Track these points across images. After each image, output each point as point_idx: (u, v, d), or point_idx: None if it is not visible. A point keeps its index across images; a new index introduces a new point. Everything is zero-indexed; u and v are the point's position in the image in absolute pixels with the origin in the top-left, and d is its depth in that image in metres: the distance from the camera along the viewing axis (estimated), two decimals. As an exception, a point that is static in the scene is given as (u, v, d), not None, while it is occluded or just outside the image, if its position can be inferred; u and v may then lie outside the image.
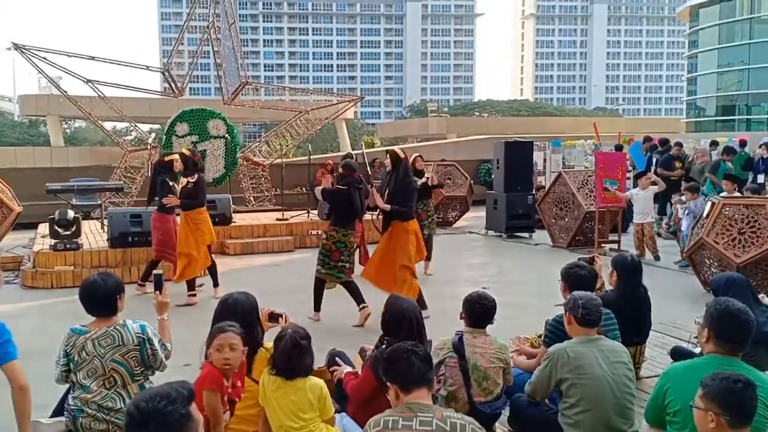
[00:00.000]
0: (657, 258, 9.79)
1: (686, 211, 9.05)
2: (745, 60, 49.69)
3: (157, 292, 3.71)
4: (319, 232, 11.47)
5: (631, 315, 4.35)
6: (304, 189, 15.67)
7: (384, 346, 3.62)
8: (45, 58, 13.59)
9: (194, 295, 7.63)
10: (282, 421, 3.21)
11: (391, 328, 3.72)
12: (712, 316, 2.97)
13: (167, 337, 3.63)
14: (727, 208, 7.58)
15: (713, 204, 7.74)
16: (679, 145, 13.24)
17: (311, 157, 13.89)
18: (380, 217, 6.95)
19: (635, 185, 10.69)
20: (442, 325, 4.91)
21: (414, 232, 6.75)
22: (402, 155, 6.78)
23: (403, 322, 3.69)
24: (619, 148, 14.19)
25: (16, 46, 13.44)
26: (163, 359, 3.52)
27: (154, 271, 3.89)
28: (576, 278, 4.07)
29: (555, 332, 3.89)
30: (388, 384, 2.74)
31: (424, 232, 8.84)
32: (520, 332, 4.84)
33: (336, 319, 6.67)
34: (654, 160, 13.11)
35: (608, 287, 4.68)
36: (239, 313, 3.49)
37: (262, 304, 3.78)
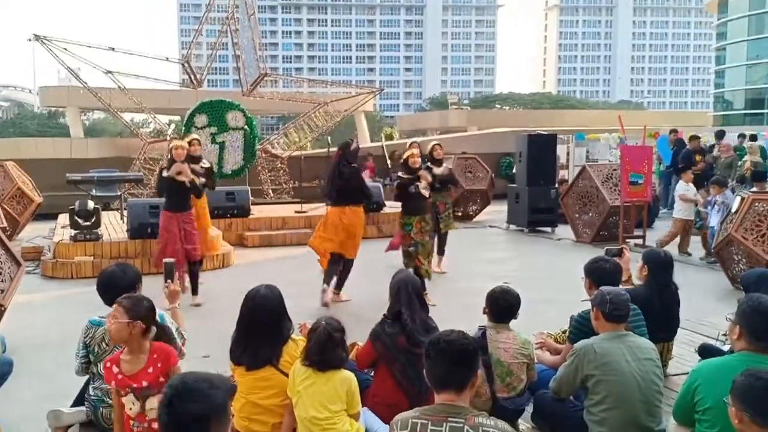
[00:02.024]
0: (689, 254, 9.60)
1: (715, 206, 8.84)
2: (775, 53, 48.80)
3: (168, 281, 3.68)
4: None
5: (659, 311, 4.25)
6: (322, 181, 15.64)
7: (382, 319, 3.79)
8: (65, 49, 13.71)
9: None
10: (308, 412, 3.21)
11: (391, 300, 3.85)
12: (744, 313, 2.93)
13: (181, 325, 3.61)
14: (757, 204, 7.40)
15: (743, 199, 7.56)
16: (696, 138, 13.06)
17: (330, 149, 13.84)
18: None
19: (674, 179, 10.43)
20: (464, 320, 4.82)
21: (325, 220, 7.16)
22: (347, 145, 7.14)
23: (393, 292, 3.83)
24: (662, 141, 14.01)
25: (37, 37, 13.56)
26: (182, 347, 3.50)
27: (165, 260, 3.84)
28: (600, 272, 4.00)
29: (581, 328, 3.82)
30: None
31: (440, 226, 8.68)
32: (543, 328, 4.77)
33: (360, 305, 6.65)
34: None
35: (636, 281, 4.57)
36: (266, 309, 3.46)
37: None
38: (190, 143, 7.66)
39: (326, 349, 3.24)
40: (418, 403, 2.77)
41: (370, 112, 51.82)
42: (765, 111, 49.86)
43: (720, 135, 13.52)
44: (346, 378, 3.30)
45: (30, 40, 14.09)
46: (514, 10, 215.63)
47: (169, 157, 7.43)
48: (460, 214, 14.02)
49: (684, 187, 9.84)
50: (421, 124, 59.05)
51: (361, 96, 17.53)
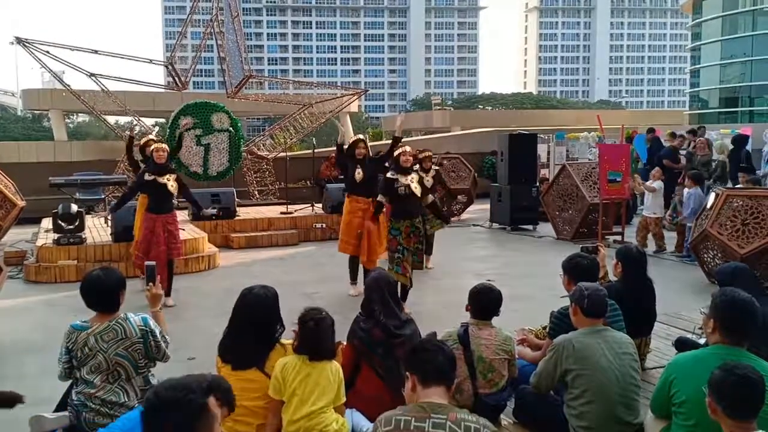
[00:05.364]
0: (662, 250, 9.78)
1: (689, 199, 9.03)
2: (748, 52, 49.45)
3: (150, 284, 3.66)
4: (323, 225, 11.49)
5: (635, 306, 4.30)
6: (308, 182, 15.67)
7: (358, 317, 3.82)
8: (48, 52, 13.59)
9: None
10: (303, 409, 3.23)
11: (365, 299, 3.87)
12: (717, 307, 2.95)
13: (164, 329, 3.62)
14: (732, 199, 7.54)
15: (717, 195, 7.70)
16: (673, 135, 13.27)
17: (315, 150, 13.88)
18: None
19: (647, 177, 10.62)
20: (447, 318, 4.91)
21: None
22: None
23: (367, 291, 3.86)
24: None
25: (19, 40, 13.43)
26: (166, 350, 3.51)
27: (146, 263, 3.83)
28: (577, 268, 4.02)
29: (560, 324, 3.86)
30: (408, 374, 2.61)
31: (426, 227, 8.69)
32: (525, 324, 4.83)
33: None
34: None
35: (612, 278, 4.66)
36: (259, 308, 3.45)
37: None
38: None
39: (320, 339, 3.30)
40: (399, 393, 2.83)
41: (355, 113, 51.74)
42: (739, 109, 50.45)
43: (673, 134, 13.76)
44: (335, 367, 3.36)
45: (12, 43, 13.96)
46: (496, 12, 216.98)
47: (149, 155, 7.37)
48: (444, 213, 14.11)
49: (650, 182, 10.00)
50: (405, 125, 58.59)
51: (346, 97, 17.57)
